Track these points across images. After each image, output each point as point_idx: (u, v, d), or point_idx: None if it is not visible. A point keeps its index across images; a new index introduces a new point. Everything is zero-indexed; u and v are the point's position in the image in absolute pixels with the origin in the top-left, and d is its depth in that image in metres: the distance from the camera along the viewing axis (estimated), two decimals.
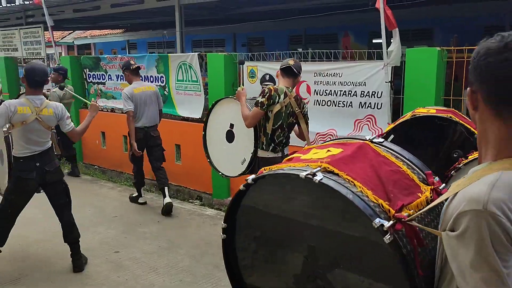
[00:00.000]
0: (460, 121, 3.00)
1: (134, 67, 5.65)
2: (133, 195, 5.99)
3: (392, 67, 4.47)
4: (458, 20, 9.19)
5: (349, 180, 1.39)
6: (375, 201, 1.34)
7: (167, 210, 5.42)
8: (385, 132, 3.16)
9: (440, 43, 8.54)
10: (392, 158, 1.57)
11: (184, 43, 7.86)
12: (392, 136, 3.10)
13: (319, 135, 5.01)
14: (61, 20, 11.05)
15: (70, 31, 19.10)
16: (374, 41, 11.26)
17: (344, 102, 4.84)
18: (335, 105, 4.90)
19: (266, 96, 3.68)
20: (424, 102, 3.97)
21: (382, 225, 1.25)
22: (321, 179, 1.38)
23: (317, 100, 5.06)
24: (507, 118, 1.07)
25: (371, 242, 1.35)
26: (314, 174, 1.41)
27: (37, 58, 9.87)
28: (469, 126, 2.92)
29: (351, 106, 4.78)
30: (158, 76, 6.87)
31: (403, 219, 1.28)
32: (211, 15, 11.71)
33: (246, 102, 3.94)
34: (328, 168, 1.44)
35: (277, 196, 1.67)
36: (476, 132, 2.61)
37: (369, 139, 1.66)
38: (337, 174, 1.42)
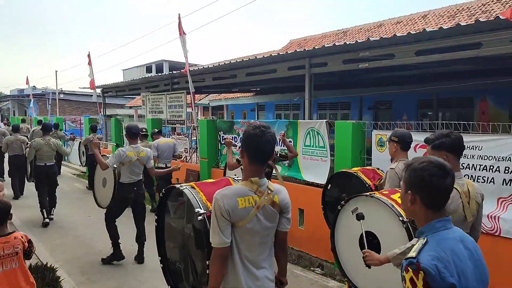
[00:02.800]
0: (361, 176, 4.37)
1: (157, 131, 9.37)
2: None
3: None
4: None
5: (198, 191, 2.59)
6: (205, 202, 2.51)
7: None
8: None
9: None
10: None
11: (312, 108, 8.10)
12: (330, 185, 4.85)
13: None
14: (201, 86, 12.29)
15: (206, 94, 21.04)
16: None
17: (484, 178, 4.44)
18: (474, 180, 4.51)
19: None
20: None
21: (198, 211, 2.42)
22: (184, 189, 2.64)
23: None
24: (252, 163, 2.30)
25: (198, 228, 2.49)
26: (182, 187, 2.67)
27: (178, 120, 11.04)
28: (366, 180, 4.33)
29: (493, 182, 4.36)
30: None
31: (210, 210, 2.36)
32: (338, 80, 11.94)
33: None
34: (193, 185, 2.67)
35: (177, 200, 2.84)
36: (368, 182, 4.39)
37: (231, 177, 2.79)
38: (195, 189, 2.63)
